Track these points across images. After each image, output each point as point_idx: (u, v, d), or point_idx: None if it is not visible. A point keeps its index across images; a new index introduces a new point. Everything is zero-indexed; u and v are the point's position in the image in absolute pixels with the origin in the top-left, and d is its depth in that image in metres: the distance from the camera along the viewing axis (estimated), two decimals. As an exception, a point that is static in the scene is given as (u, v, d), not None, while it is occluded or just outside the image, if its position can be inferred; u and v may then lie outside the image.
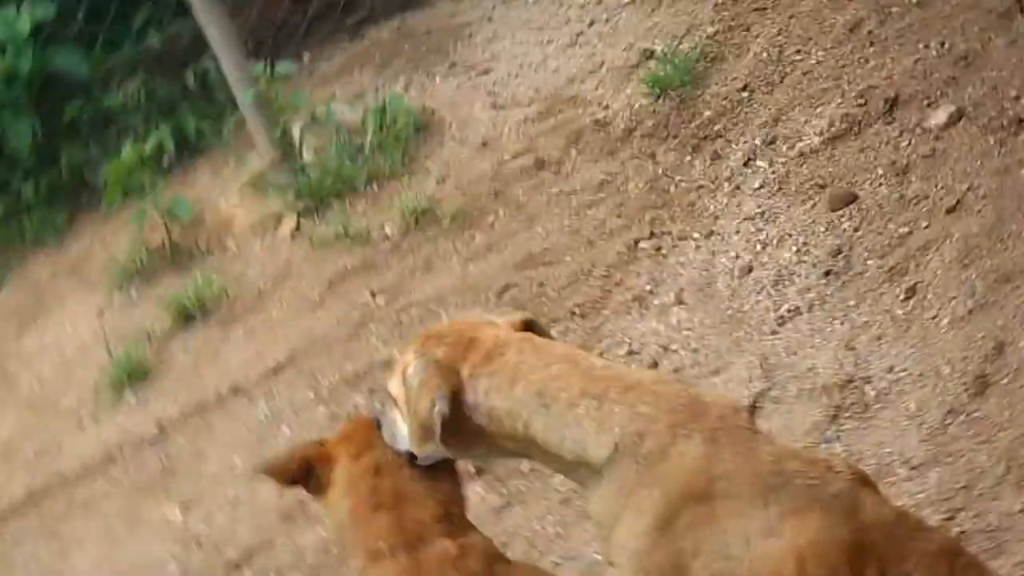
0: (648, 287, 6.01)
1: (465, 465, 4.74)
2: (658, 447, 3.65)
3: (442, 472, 4.20)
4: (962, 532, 4.52)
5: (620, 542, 3.67)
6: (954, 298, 5.30)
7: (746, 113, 6.56)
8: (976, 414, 4.90)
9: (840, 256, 5.68)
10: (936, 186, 5.76)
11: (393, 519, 4.10)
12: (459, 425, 3.80)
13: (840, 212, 5.85)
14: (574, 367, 3.79)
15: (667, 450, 3.64)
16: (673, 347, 5.69)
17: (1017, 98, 5.91)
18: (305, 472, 4.30)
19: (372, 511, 4.13)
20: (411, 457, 4.10)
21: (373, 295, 6.59)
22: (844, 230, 5.78)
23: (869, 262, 5.61)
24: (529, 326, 4.04)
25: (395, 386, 3.97)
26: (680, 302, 5.87)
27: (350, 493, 4.18)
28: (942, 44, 6.29)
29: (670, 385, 3.79)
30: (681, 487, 3.61)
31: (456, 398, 3.80)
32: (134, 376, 6.76)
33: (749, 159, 6.33)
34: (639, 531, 3.63)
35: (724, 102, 6.63)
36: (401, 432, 4.05)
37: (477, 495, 5.37)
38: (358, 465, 4.20)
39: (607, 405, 3.71)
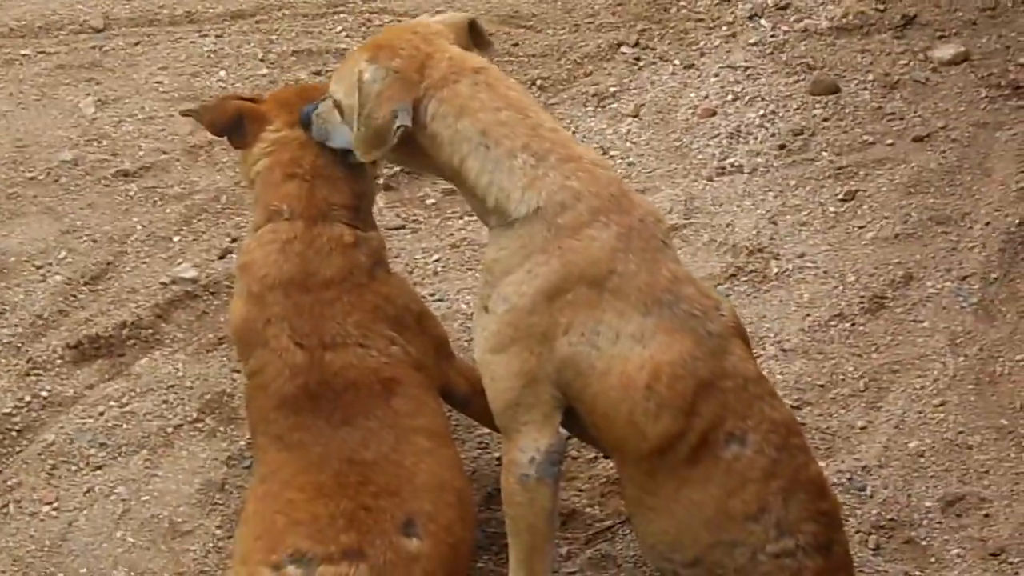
0: (612, 89, 6.02)
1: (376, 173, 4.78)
2: (574, 223, 3.73)
3: (359, 169, 4.25)
4: (801, 424, 4.65)
5: (504, 294, 3.75)
6: (887, 218, 5.39)
7: (771, -29, 6.55)
8: (861, 328, 5.02)
9: (800, 136, 5.73)
10: (914, 112, 5.82)
11: (304, 190, 4.16)
12: (403, 138, 3.83)
13: (818, 98, 5.89)
14: (523, 119, 3.83)
15: (581, 229, 3.72)
16: (612, 152, 5.73)
17: (1023, 65, 5.96)
18: (234, 123, 4.33)
19: (287, 177, 4.19)
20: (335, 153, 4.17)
21: (355, -12, 6.53)
22: (814, 115, 5.82)
23: (824, 153, 5.67)
24: (473, 26, 4.11)
25: (342, 90, 3.97)
26: (636, 116, 5.90)
27: (273, 153, 4.23)
28: (977, -13, 6.31)
29: (608, 172, 3.85)
30: (580, 267, 3.69)
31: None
32: (96, -40, 6.65)
33: (755, 15, 6.32)
34: (526, 291, 3.72)
35: (756, -48, 6.60)
36: (339, 133, 4.07)
37: (375, 207, 5.40)
38: (290, 132, 4.24)
39: (543, 168, 3.77)
